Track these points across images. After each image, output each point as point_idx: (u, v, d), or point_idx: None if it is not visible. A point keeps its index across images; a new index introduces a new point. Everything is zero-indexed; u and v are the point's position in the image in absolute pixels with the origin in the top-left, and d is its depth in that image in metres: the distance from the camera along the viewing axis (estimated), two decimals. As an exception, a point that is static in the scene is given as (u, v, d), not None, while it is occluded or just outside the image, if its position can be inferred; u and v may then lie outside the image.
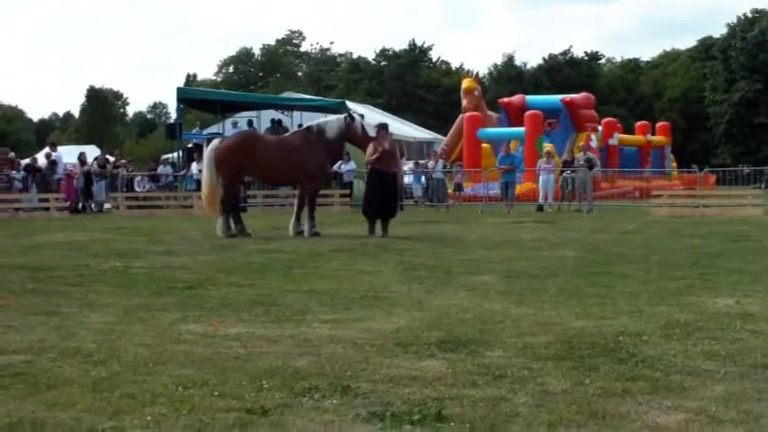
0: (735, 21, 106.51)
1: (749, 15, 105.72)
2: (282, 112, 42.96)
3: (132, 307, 9.97)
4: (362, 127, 21.82)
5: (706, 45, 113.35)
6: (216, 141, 22.15)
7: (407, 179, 41.59)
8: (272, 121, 39.55)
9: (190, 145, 40.45)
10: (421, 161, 43.63)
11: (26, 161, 40.56)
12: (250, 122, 40.12)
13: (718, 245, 18.03)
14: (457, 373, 6.74)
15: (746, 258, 15.11)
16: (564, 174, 34.93)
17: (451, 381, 6.51)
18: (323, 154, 21.63)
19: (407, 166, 42.79)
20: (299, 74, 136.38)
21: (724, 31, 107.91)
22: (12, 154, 39.67)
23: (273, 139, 23.89)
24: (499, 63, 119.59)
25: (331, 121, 21.74)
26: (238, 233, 20.82)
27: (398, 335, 8.20)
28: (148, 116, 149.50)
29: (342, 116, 21.91)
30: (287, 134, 24.91)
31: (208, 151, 21.51)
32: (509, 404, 5.90)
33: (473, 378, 6.57)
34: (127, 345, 7.79)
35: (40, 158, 40.61)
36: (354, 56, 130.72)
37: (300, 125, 28.62)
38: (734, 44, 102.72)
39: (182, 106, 41.43)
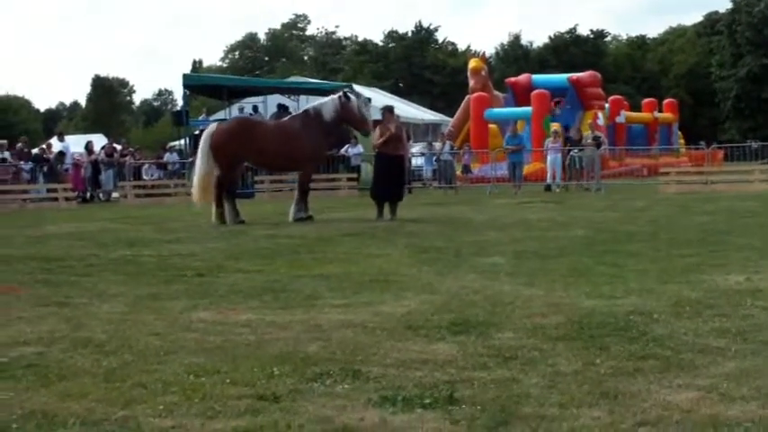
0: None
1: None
2: (289, 97, 42.87)
3: (142, 296, 9.98)
4: (358, 106, 21.64)
5: (712, 20, 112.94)
6: (212, 126, 22.00)
7: (418, 161, 41.56)
8: (278, 106, 39.42)
9: (197, 132, 40.29)
10: (435, 143, 43.61)
11: (34, 150, 40.51)
12: (255, 108, 40.04)
13: (726, 221, 18.01)
14: (467, 355, 6.75)
15: (756, 234, 15.08)
16: (571, 153, 34.86)
17: (462, 363, 6.52)
18: (321, 137, 21.40)
19: (416, 148, 42.75)
20: (305, 58, 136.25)
21: (729, 5, 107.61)
22: (19, 145, 39.57)
23: (271, 124, 23.69)
24: (505, 43, 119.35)
25: (327, 103, 21.44)
26: (218, 218, 20.60)
27: (409, 318, 8.21)
28: (155, 104, 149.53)
29: (336, 96, 21.57)
30: (284, 119, 24.65)
31: (204, 136, 21.36)
32: (520, 386, 5.91)
33: (484, 360, 6.58)
34: (138, 334, 7.80)
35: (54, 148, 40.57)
36: (360, 38, 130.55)
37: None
38: (739, 19, 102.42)
39: (188, 93, 41.38)
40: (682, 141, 58.21)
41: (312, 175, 21.99)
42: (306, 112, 22.06)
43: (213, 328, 8.04)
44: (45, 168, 36.58)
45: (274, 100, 41.81)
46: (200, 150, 21.19)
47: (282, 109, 38.23)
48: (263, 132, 21.20)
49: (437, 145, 40.61)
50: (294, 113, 25.02)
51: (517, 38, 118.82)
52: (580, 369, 6.28)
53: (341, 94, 21.54)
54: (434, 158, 39.12)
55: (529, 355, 6.68)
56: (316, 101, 23.39)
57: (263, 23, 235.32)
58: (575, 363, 6.44)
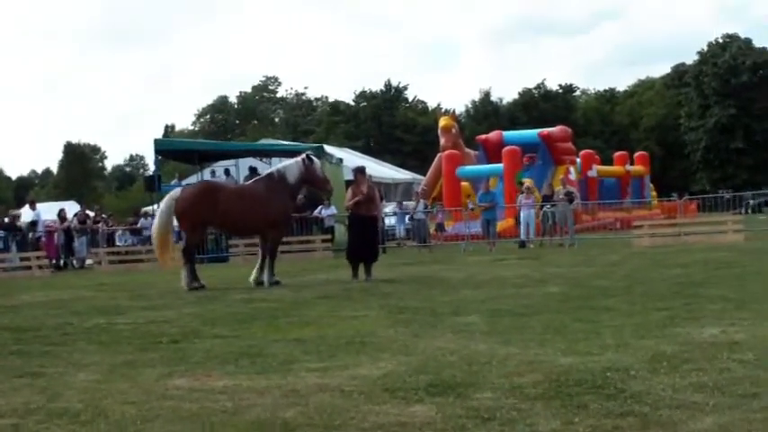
0: (706, 47, 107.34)
1: (720, 41, 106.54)
2: (261, 160, 42.92)
3: (118, 364, 9.90)
4: (321, 168, 21.79)
5: (679, 72, 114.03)
6: (176, 191, 21.86)
7: (391, 220, 41.58)
8: (250, 168, 39.33)
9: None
10: (405, 202, 43.71)
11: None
12: (227, 171, 40.00)
13: (700, 273, 18.08)
14: (446, 417, 6.72)
15: (730, 286, 15.13)
16: (544, 208, 34.93)
17: (441, 426, 6.49)
18: (287, 200, 21.38)
19: (389, 207, 42.80)
20: (276, 120, 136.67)
21: (696, 57, 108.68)
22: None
23: (235, 188, 23.63)
24: (476, 99, 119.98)
25: (290, 165, 21.44)
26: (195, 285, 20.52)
27: (386, 380, 8.18)
28: (126, 169, 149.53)
29: (300, 158, 21.58)
30: (248, 182, 24.67)
31: (166, 200, 21.27)
32: (499, 447, 5.89)
33: (462, 422, 6.55)
34: (113, 403, 7.73)
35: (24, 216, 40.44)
36: (330, 99, 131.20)
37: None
38: (706, 70, 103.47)
39: (159, 158, 41.26)
40: (654, 194, 58.55)
41: (281, 237, 21.91)
42: (270, 174, 21.97)
43: (189, 395, 7.98)
44: (18, 237, 36.35)
45: (246, 163, 41.84)
46: (159, 212, 21.25)
47: (252, 171, 38.18)
48: (227, 196, 21.07)
49: (410, 204, 40.67)
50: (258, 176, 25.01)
51: (487, 95, 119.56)
52: (559, 428, 6.27)
53: (304, 156, 21.56)
54: (408, 217, 39.08)
55: (507, 416, 6.65)
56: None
57: (234, 86, 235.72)
58: (553, 422, 6.43)
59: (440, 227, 40.53)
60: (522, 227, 35.23)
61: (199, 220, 20.87)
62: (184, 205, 20.64)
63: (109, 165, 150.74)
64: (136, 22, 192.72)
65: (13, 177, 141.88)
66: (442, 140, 50.76)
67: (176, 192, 21.65)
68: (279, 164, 24.42)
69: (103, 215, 43.63)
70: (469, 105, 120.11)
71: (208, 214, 20.72)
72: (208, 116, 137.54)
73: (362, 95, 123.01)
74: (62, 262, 37.65)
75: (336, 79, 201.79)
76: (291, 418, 6.88)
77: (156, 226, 21.13)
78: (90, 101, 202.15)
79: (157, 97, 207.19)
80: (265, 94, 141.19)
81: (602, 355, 8.97)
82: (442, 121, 52.41)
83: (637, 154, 60.41)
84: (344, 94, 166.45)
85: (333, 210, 35.97)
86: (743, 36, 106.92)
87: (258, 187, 21.46)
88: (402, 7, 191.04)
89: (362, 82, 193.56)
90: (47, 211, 43.20)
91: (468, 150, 52.06)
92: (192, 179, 42.58)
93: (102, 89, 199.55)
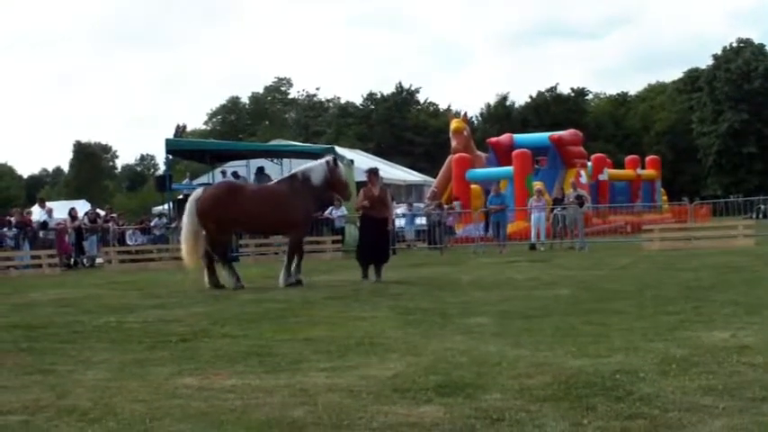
0: (720, 52, 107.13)
1: (734, 45, 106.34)
2: (272, 160, 42.89)
3: (127, 362, 9.92)
4: (345, 173, 21.77)
5: (692, 77, 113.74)
6: (198, 191, 21.75)
7: (401, 222, 41.55)
8: (258, 169, 39.15)
9: (180, 196, 40.04)
10: (416, 204, 43.67)
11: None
12: (235, 174, 39.78)
13: (711, 277, 18.04)
14: (455, 417, 6.71)
15: (740, 290, 15.11)
16: (555, 211, 34.91)
17: (449, 426, 6.49)
18: (309, 201, 21.28)
19: (400, 209, 42.79)
20: (288, 120, 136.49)
21: (710, 62, 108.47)
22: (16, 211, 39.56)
23: (257, 188, 23.61)
24: (491, 103, 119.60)
25: (316, 168, 21.38)
26: (211, 284, 20.50)
27: (395, 381, 8.18)
28: (137, 168, 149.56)
29: (325, 160, 21.60)
30: (271, 182, 24.53)
31: (190, 201, 21.13)
32: (508, 448, 5.88)
33: (471, 422, 6.55)
34: (123, 401, 7.74)
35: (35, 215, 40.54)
36: (342, 101, 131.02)
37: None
38: (719, 75, 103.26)
39: (170, 157, 41.20)
40: (665, 198, 58.41)
41: (302, 238, 21.83)
42: (293, 176, 21.82)
43: (199, 393, 7.98)
44: (30, 235, 36.37)
45: (257, 163, 41.70)
46: (186, 213, 21.12)
47: (260, 172, 38.07)
48: (249, 196, 21.03)
49: (421, 205, 40.54)
50: (280, 177, 24.93)
51: (504, 98, 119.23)
52: (567, 430, 6.26)
53: (330, 159, 21.55)
54: (433, 220, 38.85)
55: (516, 417, 6.65)
56: (298, 164, 23.35)
57: (246, 87, 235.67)
58: (562, 423, 6.42)
59: (450, 229, 40.44)
60: (532, 229, 35.22)
61: (222, 220, 20.61)
62: (206, 205, 20.54)
63: (120, 164, 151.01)
64: (148, 22, 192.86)
65: (25, 176, 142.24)
66: (453, 143, 50.59)
67: (198, 192, 21.58)
68: (297, 164, 24.40)
69: (113, 214, 43.62)
70: (483, 108, 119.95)
71: (231, 214, 20.54)
72: (219, 116, 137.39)
73: (371, 98, 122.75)
74: (72, 260, 37.65)
75: (348, 81, 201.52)
76: (300, 418, 6.88)
77: (185, 224, 21.02)
78: (101, 100, 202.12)
79: (169, 97, 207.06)
80: (277, 95, 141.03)
81: (611, 357, 8.96)
82: (454, 124, 52.22)
83: (648, 158, 60.34)
84: (356, 95, 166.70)
85: (343, 210, 36.00)
86: (756, 42, 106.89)
87: (281, 188, 21.38)
88: (415, 9, 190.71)
89: (375, 84, 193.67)
90: (58, 210, 43.23)
91: (478, 153, 51.93)
92: (204, 179, 42.57)
93: (114, 88, 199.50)
